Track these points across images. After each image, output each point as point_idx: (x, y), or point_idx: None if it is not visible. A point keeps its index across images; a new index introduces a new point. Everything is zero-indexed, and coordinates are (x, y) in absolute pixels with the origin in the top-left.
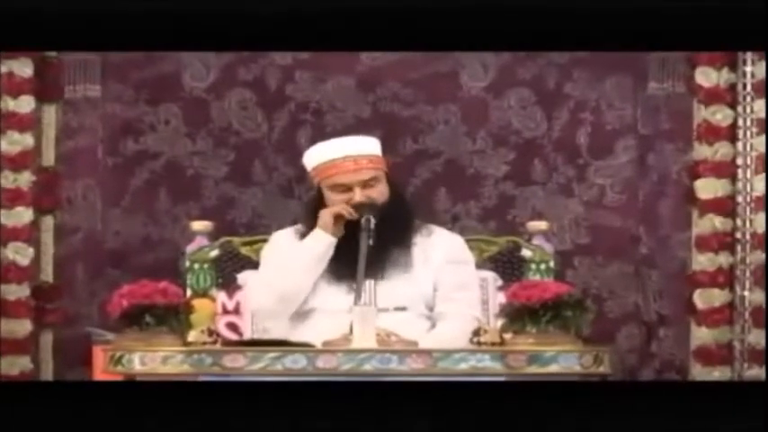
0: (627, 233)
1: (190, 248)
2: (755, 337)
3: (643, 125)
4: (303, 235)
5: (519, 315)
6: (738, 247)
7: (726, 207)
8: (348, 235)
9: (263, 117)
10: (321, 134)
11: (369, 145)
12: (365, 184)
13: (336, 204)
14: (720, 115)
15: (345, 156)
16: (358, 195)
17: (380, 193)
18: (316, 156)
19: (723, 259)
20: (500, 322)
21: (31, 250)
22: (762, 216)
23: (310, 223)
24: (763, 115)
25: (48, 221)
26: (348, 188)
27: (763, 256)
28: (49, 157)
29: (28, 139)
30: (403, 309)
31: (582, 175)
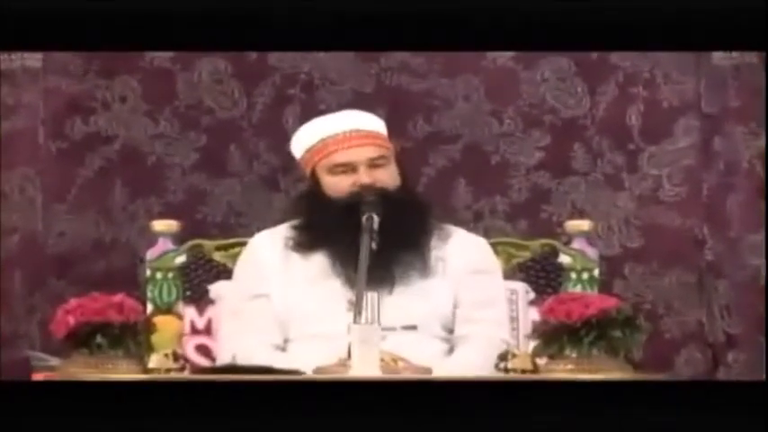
0: (688, 235)
1: (151, 254)
2: None
3: (707, 102)
4: (292, 241)
5: (556, 335)
6: None
7: None
8: (347, 236)
9: (242, 92)
10: (312, 113)
11: (374, 122)
12: (372, 163)
13: (339, 190)
14: None
15: (346, 130)
16: (364, 176)
17: (390, 176)
18: (308, 135)
19: None
20: (532, 344)
21: None
22: None
23: (302, 222)
24: None
25: None
26: (352, 168)
27: None
28: None
29: None
30: (413, 328)
31: (633, 164)
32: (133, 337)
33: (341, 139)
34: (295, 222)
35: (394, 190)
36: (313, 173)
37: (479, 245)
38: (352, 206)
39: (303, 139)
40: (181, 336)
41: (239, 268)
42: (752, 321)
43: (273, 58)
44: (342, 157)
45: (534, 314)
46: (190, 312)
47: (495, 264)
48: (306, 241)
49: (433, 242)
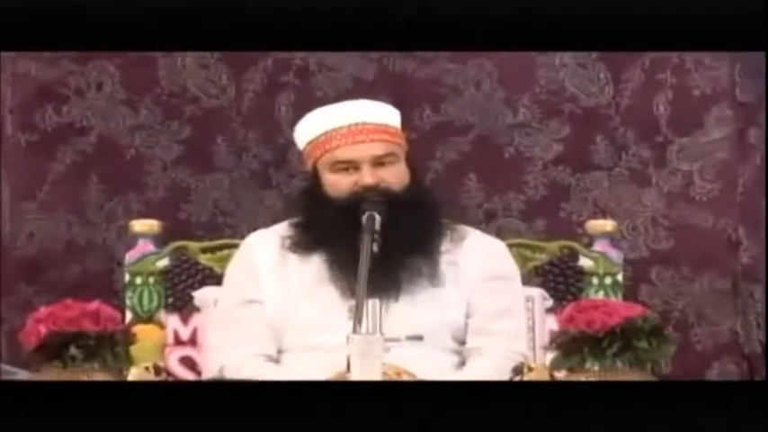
0: (722, 236)
1: (130, 257)
2: None
3: (743, 90)
4: (290, 240)
5: (576, 346)
6: None
7: None
8: (347, 238)
9: (230, 79)
10: (308, 102)
11: (386, 113)
12: (378, 162)
13: (339, 189)
14: None
15: (351, 123)
16: (367, 176)
17: (397, 175)
18: (310, 126)
19: None
20: (550, 356)
21: None
22: None
23: (301, 222)
24: None
25: None
26: (355, 166)
27: None
28: None
29: None
30: (418, 338)
31: (661, 158)
32: (110, 348)
33: (344, 133)
34: (294, 220)
35: (401, 189)
36: (314, 168)
37: (497, 248)
38: (353, 206)
39: (305, 131)
40: (163, 347)
41: (231, 271)
42: None
43: None
44: (344, 153)
45: (552, 323)
46: (173, 321)
47: (513, 269)
48: (304, 241)
49: (445, 245)
